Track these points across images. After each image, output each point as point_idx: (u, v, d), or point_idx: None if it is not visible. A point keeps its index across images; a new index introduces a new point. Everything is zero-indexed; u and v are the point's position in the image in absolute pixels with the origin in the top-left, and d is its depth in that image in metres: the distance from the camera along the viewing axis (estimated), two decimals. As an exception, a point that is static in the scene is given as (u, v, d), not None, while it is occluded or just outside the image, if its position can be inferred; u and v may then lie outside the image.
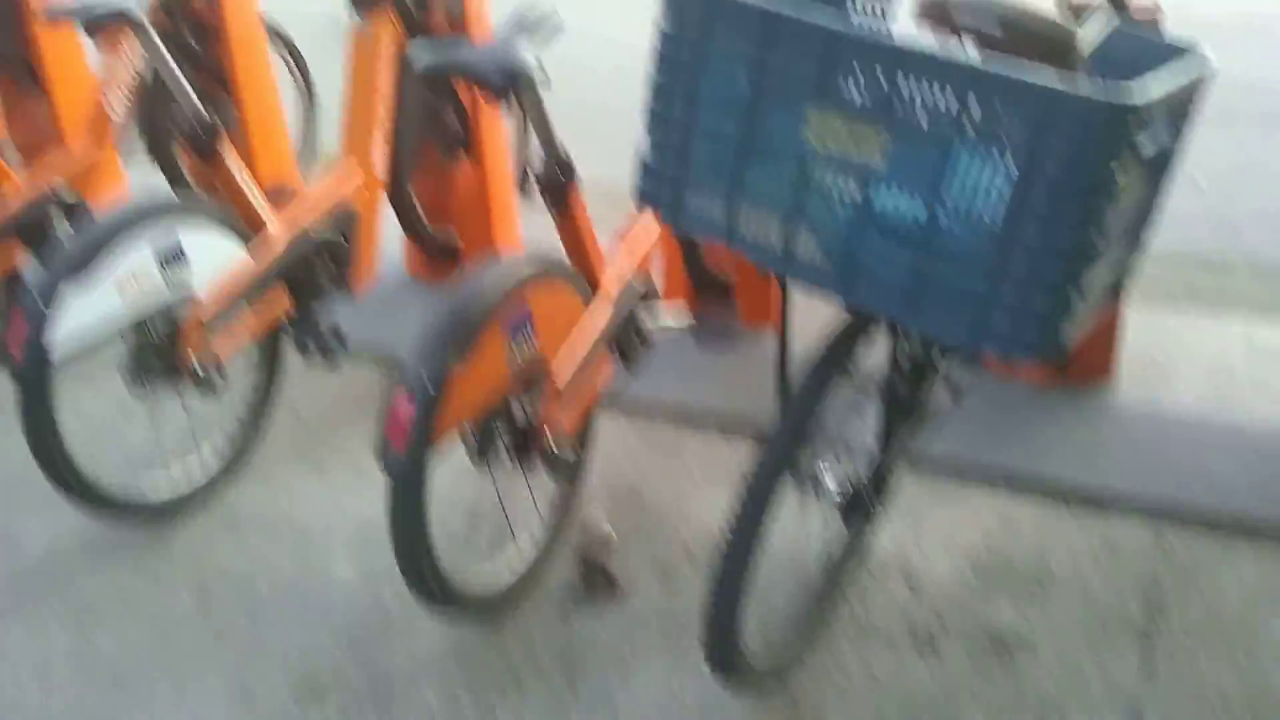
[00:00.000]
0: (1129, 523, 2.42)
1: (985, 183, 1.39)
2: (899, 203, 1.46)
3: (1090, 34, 1.77)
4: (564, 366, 2.08)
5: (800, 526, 2.05)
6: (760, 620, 2.05)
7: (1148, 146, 1.42)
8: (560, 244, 2.27)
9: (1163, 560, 2.32)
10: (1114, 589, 2.25)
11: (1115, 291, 1.67)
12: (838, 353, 1.75)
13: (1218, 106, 5.70)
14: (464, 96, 2.97)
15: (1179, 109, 1.51)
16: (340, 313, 2.72)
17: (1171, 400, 2.77)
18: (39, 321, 2.07)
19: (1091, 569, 2.30)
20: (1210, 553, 2.34)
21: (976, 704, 1.99)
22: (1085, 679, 2.04)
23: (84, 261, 2.12)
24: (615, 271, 2.34)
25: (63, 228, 2.86)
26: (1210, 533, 2.39)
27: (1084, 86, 1.33)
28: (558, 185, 2.11)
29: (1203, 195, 4.31)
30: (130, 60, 3.00)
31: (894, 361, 1.79)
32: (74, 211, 2.89)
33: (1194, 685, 2.02)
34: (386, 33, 2.73)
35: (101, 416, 2.79)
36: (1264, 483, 2.48)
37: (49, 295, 2.08)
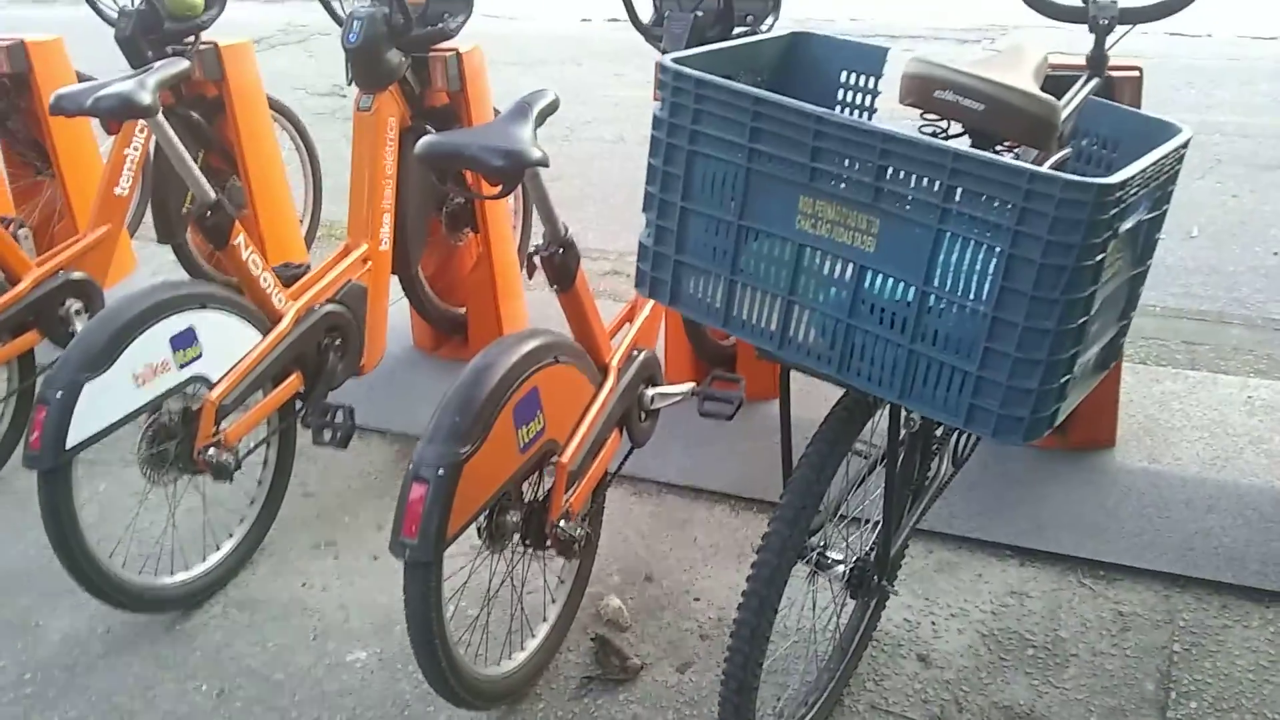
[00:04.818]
0: (1138, 590, 2.43)
1: (973, 266, 1.42)
2: (891, 286, 1.49)
3: (1070, 106, 1.82)
4: (572, 446, 2.11)
5: (811, 603, 2.06)
6: (774, 699, 2.06)
7: (1127, 222, 1.45)
8: (565, 322, 2.30)
9: (1174, 628, 2.32)
10: (1127, 660, 2.24)
11: (1105, 364, 1.69)
12: (839, 430, 1.77)
13: (1206, 153, 5.78)
14: (469, 177, 3.02)
15: (1158, 181, 1.55)
16: (349, 389, 2.75)
17: (1174, 461, 2.78)
18: (59, 417, 2.11)
19: (1103, 640, 2.30)
20: (1220, 619, 2.34)
21: (993, 780, 2.00)
22: (1101, 752, 2.04)
23: (103, 357, 2.16)
24: (620, 348, 2.37)
25: (76, 309, 2.91)
26: (1219, 599, 2.39)
27: (1062, 170, 1.37)
28: (560, 265, 2.15)
29: (1195, 247, 4.35)
30: (140, 145, 3.06)
31: (896, 436, 1.81)
32: (87, 294, 2.94)
33: (1210, 756, 2.02)
34: (390, 111, 2.79)
35: (119, 505, 2.80)
36: (1268, 545, 2.48)
37: (69, 391, 2.12)
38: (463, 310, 3.34)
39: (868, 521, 2.03)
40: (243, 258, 2.42)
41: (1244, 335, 3.70)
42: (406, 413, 3.12)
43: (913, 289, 1.48)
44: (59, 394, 2.11)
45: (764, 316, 1.62)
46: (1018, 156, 1.83)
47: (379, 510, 2.81)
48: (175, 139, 2.33)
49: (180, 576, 2.45)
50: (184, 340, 2.28)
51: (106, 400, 2.16)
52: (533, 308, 3.41)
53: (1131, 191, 1.42)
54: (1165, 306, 3.90)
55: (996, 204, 1.39)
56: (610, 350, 2.33)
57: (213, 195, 2.36)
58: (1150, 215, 1.60)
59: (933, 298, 1.47)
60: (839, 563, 1.92)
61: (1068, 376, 1.47)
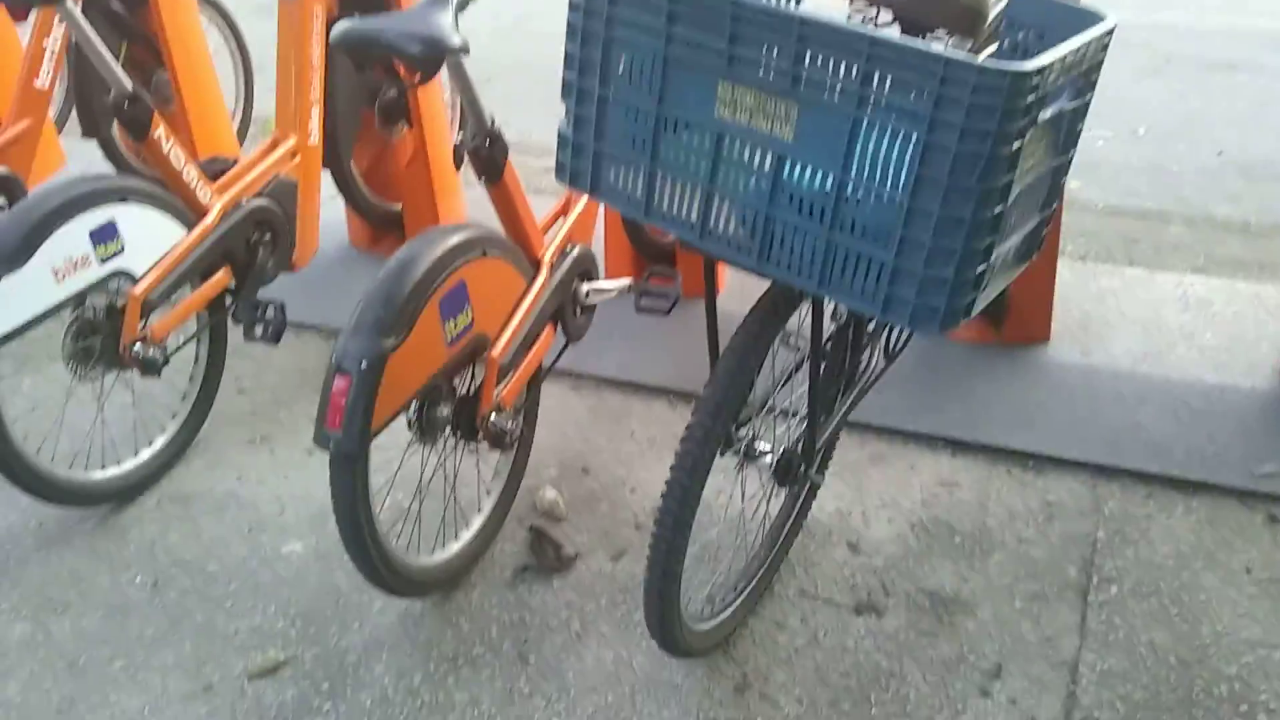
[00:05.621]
0: (1066, 481, 2.48)
1: (890, 154, 1.41)
2: (809, 174, 1.48)
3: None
4: (503, 340, 2.10)
5: (741, 493, 2.09)
6: (704, 586, 2.10)
7: (1046, 111, 1.44)
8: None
9: (1098, 517, 2.38)
10: (1051, 547, 2.30)
11: (1026, 255, 1.70)
12: (763, 322, 1.77)
13: (1156, 53, 5.73)
14: (399, 67, 2.95)
15: (1080, 70, 1.54)
16: (283, 284, 2.72)
17: (1107, 356, 2.82)
18: (-26, 310, 2.07)
19: (1029, 528, 2.35)
20: (1144, 508, 2.40)
21: (917, 663, 2.05)
22: (1022, 636, 2.09)
23: (19, 251, 2.10)
24: (553, 242, 2.35)
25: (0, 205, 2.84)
26: (1144, 488, 2.45)
27: (978, 56, 1.36)
28: (488, 158, 2.11)
29: (1141, 145, 4.37)
30: (60, 36, 2.95)
31: (818, 327, 1.82)
32: (9, 190, 2.86)
33: (1127, 639, 2.08)
34: (315, 1, 2.69)
35: (46, 401, 2.77)
36: (1194, 437, 2.54)
37: (-16, 284, 2.08)
38: (398, 206, 3.29)
39: (796, 414, 2.05)
40: (164, 151, 2.36)
41: (1183, 233, 3.73)
42: (341, 309, 3.01)
43: (831, 178, 1.47)
44: (-26, 289, 2.06)
45: (685, 207, 1.61)
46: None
47: (313, 406, 2.74)
48: (87, 27, 2.24)
49: (111, 471, 2.44)
50: (105, 234, 2.23)
51: (25, 295, 2.12)
52: (473, 205, 3.36)
53: (1050, 79, 1.41)
54: (1107, 204, 3.92)
55: (913, 91, 1.37)
56: (543, 245, 2.31)
57: (129, 86, 2.29)
58: (1073, 105, 1.59)
59: (850, 187, 1.46)
60: (766, 453, 1.94)
61: (984, 266, 1.48)
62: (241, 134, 3.90)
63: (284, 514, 2.44)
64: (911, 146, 1.39)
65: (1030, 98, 1.36)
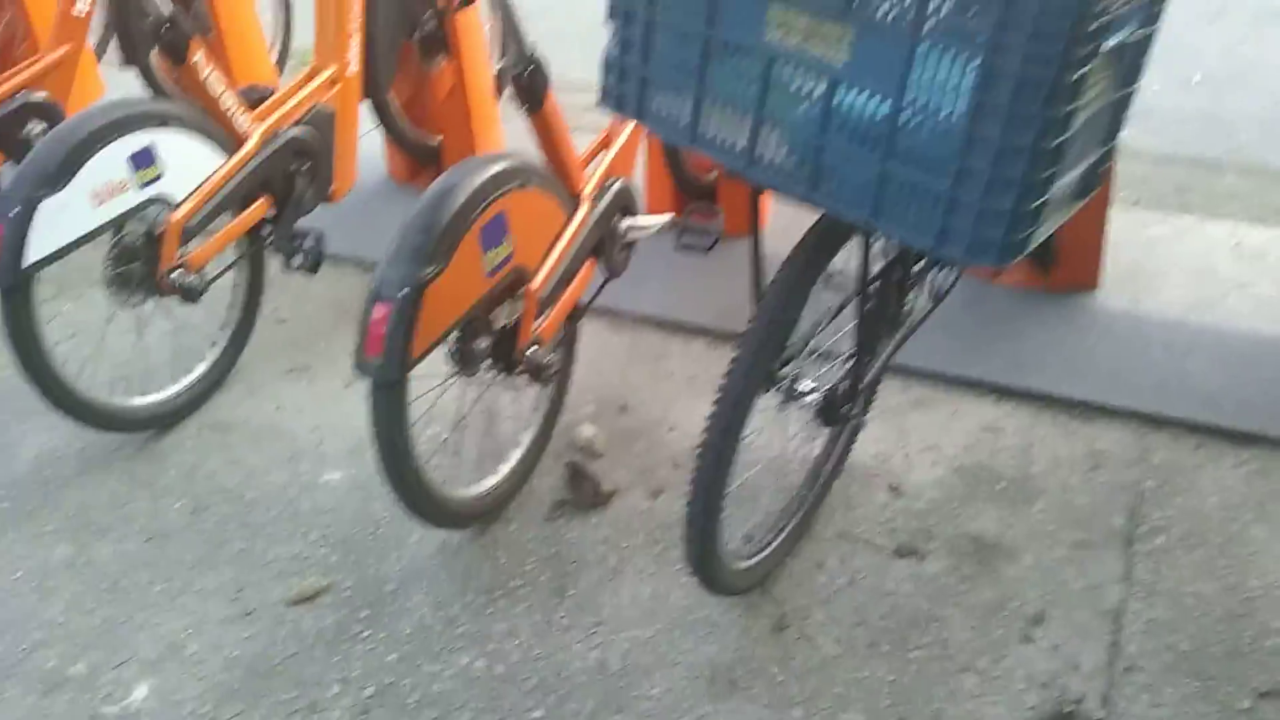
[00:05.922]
0: (1113, 429, 2.43)
1: (949, 79, 1.36)
2: (863, 100, 1.43)
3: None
4: (542, 273, 2.07)
5: (783, 432, 2.06)
6: (744, 525, 2.08)
7: (1112, 39, 1.39)
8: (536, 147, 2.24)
9: (1146, 467, 2.33)
10: (1097, 495, 2.26)
11: (1084, 191, 1.64)
12: (810, 257, 1.73)
13: (1212, 0, 5.56)
14: (440, -4, 2.91)
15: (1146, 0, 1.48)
16: (322, 217, 2.70)
17: (1156, 305, 2.76)
18: (16, 234, 2.06)
19: (1075, 476, 2.31)
20: (1193, 459, 2.34)
21: (958, 608, 2.02)
22: (1066, 584, 2.06)
23: (59, 174, 2.10)
24: (594, 176, 2.31)
25: (39, 131, 2.82)
26: (1193, 439, 2.39)
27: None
28: (528, 85, 2.07)
29: (1196, 94, 4.25)
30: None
31: (865, 261, 1.78)
32: (49, 115, 2.85)
33: (1173, 589, 2.04)
34: (355, -73, 2.64)
35: (86, 327, 2.78)
36: (1246, 388, 2.48)
37: (25, 208, 2.07)
38: (438, 140, 3.25)
39: (839, 356, 2.01)
40: (201, 76, 2.33)
41: (1237, 182, 3.63)
42: (379, 242, 3.00)
43: (886, 104, 1.42)
44: (15, 211, 2.06)
45: (732, 135, 1.57)
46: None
47: (350, 338, 2.78)
48: (127, -51, 2.22)
49: (151, 398, 2.45)
50: (143, 159, 2.22)
51: (64, 219, 2.11)
52: (512, 139, 3.32)
53: (1117, 4, 1.35)
54: (1160, 152, 3.82)
55: (975, 12, 1.32)
56: (583, 178, 2.27)
57: (166, 10, 2.26)
58: (1137, 35, 1.53)
59: (906, 113, 1.41)
60: (809, 393, 1.91)
61: (1044, 199, 1.43)
62: (280, 66, 3.87)
63: (322, 444, 2.45)
64: (971, 71, 1.34)
65: (1097, 21, 1.31)
